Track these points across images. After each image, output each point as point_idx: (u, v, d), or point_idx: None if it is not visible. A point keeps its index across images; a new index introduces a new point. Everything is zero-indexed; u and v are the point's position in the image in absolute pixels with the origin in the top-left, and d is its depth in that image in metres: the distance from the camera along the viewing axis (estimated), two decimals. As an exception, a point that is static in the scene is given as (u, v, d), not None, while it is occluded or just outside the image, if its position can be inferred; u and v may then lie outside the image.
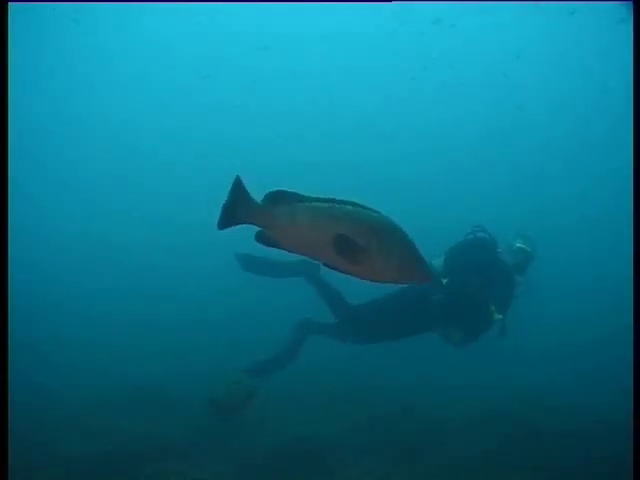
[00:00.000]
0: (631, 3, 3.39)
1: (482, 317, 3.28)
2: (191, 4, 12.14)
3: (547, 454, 3.61)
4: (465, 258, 3.39)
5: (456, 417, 4.44)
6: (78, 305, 9.75)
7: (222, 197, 1.56)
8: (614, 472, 3.21)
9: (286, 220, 1.51)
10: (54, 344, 6.91)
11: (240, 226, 1.57)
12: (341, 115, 15.44)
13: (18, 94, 10.45)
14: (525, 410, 4.68)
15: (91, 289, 10.97)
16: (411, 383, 5.76)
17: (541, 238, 3.81)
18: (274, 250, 1.59)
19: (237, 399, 2.75)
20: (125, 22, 12.57)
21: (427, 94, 14.35)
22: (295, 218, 1.50)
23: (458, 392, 5.44)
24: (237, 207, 1.54)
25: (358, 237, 1.45)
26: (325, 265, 1.54)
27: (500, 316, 3.29)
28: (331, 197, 1.51)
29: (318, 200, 1.51)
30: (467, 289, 3.25)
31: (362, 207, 1.49)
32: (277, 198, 1.54)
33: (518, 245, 3.64)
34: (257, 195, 1.56)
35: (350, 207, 1.48)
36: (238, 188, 1.55)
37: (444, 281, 3.29)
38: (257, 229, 1.57)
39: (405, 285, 3.09)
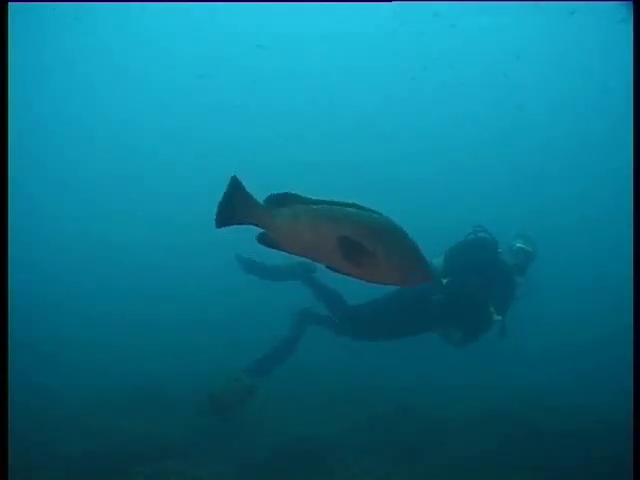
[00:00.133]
0: (631, 3, 3.38)
1: (481, 317, 3.27)
2: (191, 4, 12.15)
3: (547, 454, 3.61)
4: (465, 258, 3.38)
5: (456, 417, 4.44)
6: (78, 305, 9.76)
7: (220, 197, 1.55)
8: (614, 472, 3.21)
9: (288, 222, 1.50)
10: (54, 344, 6.92)
11: (239, 227, 1.57)
12: (341, 115, 15.44)
13: (18, 94, 10.45)
14: (525, 410, 4.67)
15: (91, 289, 10.98)
16: (411, 383, 5.76)
17: (541, 238, 3.80)
18: (273, 252, 1.58)
19: (236, 396, 2.75)
20: (125, 22, 12.59)
21: (427, 94, 14.35)
22: (297, 220, 1.49)
23: (458, 392, 5.44)
24: (238, 207, 1.53)
25: (362, 239, 1.44)
26: (328, 268, 1.53)
27: (499, 317, 3.28)
28: (332, 199, 1.51)
29: (320, 202, 1.50)
30: (467, 289, 3.23)
31: (364, 209, 1.48)
32: (279, 200, 1.53)
33: (518, 245, 3.62)
34: (256, 195, 1.56)
35: (352, 209, 1.47)
36: (236, 187, 1.54)
37: (444, 281, 3.28)
38: (258, 230, 1.57)
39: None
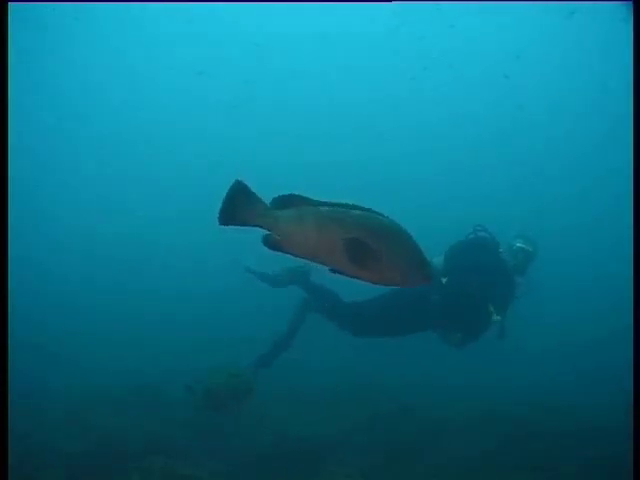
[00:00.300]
0: (631, 3, 3.38)
1: (481, 317, 3.26)
2: (191, 4, 12.16)
3: (547, 454, 3.61)
4: (465, 257, 3.37)
5: (456, 417, 4.43)
6: (77, 303, 9.76)
7: (221, 195, 1.55)
8: (613, 472, 3.21)
9: (293, 224, 1.49)
10: (54, 342, 6.92)
11: (235, 225, 1.56)
12: (340, 115, 15.44)
13: (18, 94, 10.44)
14: (524, 410, 4.67)
15: (89, 287, 10.97)
16: (411, 383, 5.75)
17: (541, 238, 3.79)
18: (274, 255, 1.58)
19: (236, 392, 2.73)
20: (124, 22, 12.58)
21: (427, 94, 14.35)
22: (302, 222, 1.48)
23: (458, 392, 5.43)
24: (242, 208, 1.53)
25: (367, 241, 1.44)
26: (331, 271, 1.53)
27: (499, 317, 3.27)
28: (336, 201, 1.50)
29: (325, 204, 1.49)
30: (466, 289, 3.22)
31: (369, 211, 1.48)
32: (284, 202, 1.53)
33: (518, 245, 3.60)
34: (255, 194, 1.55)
35: (357, 211, 1.47)
36: (240, 188, 1.53)
37: (443, 280, 3.27)
38: (261, 232, 1.56)
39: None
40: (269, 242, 1.54)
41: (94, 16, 11.90)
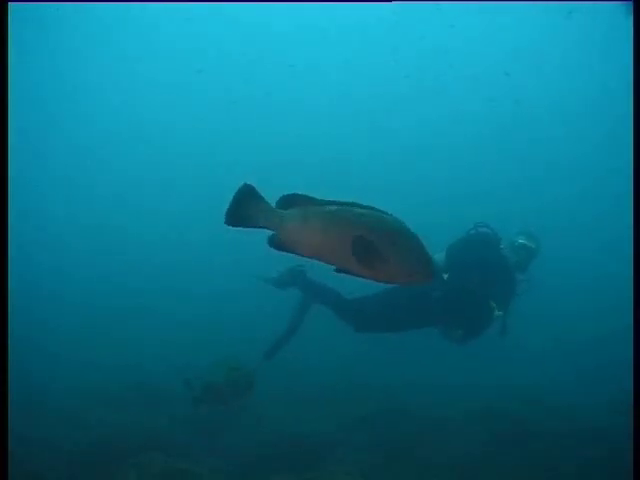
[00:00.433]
0: (631, 3, 3.38)
1: (482, 314, 3.25)
2: (191, 4, 12.18)
3: (546, 453, 3.60)
4: (467, 254, 3.35)
5: (455, 415, 4.44)
6: (76, 301, 9.76)
7: (222, 192, 1.55)
8: (613, 472, 3.20)
9: (299, 224, 1.49)
10: (53, 340, 6.93)
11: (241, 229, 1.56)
12: (340, 112, 15.43)
13: (18, 94, 10.45)
14: (524, 409, 4.67)
15: (88, 284, 10.97)
16: (410, 381, 5.75)
17: (542, 235, 3.78)
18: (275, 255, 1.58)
19: (236, 386, 2.71)
20: (124, 21, 12.60)
21: (429, 92, 14.37)
22: (308, 222, 1.48)
23: (457, 390, 5.43)
24: (248, 209, 1.52)
25: (373, 240, 1.44)
26: (337, 271, 1.52)
27: (500, 313, 3.26)
28: (340, 200, 1.50)
29: (330, 203, 1.49)
30: (468, 285, 3.21)
31: (374, 209, 1.48)
32: (289, 202, 1.52)
33: (520, 242, 3.58)
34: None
35: (361, 210, 1.47)
36: (247, 189, 1.53)
37: (445, 276, 3.26)
38: (262, 231, 1.56)
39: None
40: (275, 242, 1.54)
41: (94, 16, 11.92)
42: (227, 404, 2.78)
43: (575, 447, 3.66)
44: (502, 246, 3.55)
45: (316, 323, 3.95)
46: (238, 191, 1.53)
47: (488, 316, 3.28)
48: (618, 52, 9.40)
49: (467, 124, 15.22)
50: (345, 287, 3.45)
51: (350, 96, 15.10)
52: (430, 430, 4.08)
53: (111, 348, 6.74)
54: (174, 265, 12.03)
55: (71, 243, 13.35)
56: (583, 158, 15.17)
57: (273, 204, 1.54)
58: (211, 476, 3.16)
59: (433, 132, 15.50)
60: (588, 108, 14.03)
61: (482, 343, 3.50)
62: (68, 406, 4.43)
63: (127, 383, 5.17)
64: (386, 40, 12.98)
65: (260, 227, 1.54)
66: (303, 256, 1.54)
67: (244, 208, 1.52)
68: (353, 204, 1.48)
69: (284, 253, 1.56)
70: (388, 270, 1.45)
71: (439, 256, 3.45)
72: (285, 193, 1.58)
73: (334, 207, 1.48)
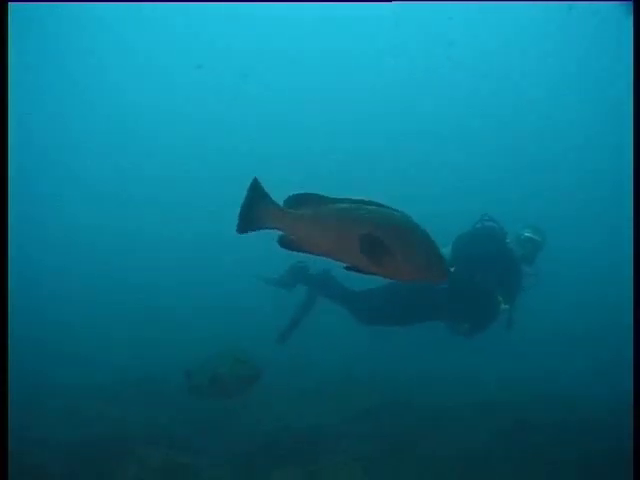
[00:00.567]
0: (631, 3, 3.38)
1: (489, 307, 3.26)
2: (191, 4, 12.22)
3: (547, 446, 3.60)
4: (473, 247, 3.36)
5: (458, 408, 4.43)
6: (76, 297, 9.77)
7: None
8: (613, 464, 3.20)
9: (310, 223, 1.50)
10: (53, 335, 6.93)
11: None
12: (341, 108, 15.45)
13: (18, 94, 10.45)
14: (527, 402, 4.67)
15: (85, 278, 10.98)
16: (412, 373, 5.76)
17: (547, 229, 3.78)
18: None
19: (241, 380, 2.70)
20: (124, 21, 12.63)
21: (431, 85, 14.43)
22: (319, 221, 1.49)
23: (460, 383, 5.44)
24: (259, 211, 1.53)
25: (382, 237, 1.45)
26: (347, 268, 1.53)
27: (507, 306, 3.26)
28: (350, 197, 1.51)
29: (341, 201, 1.50)
30: (474, 279, 3.21)
31: (385, 207, 1.49)
32: (299, 201, 1.53)
33: (527, 235, 3.60)
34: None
35: (372, 207, 1.48)
36: (258, 192, 1.53)
37: (451, 270, 3.26)
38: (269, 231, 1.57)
39: None
40: (285, 243, 1.55)
41: (94, 16, 11.96)
42: (231, 396, 2.76)
43: (577, 439, 3.66)
44: (508, 240, 3.56)
45: (320, 317, 3.95)
46: (247, 195, 1.53)
47: (494, 309, 3.29)
48: (618, 50, 9.42)
49: (468, 118, 15.25)
50: (349, 281, 3.46)
51: (350, 90, 15.13)
52: (433, 423, 4.08)
53: (113, 343, 6.74)
54: (176, 261, 12.04)
55: (70, 240, 13.36)
56: (583, 153, 15.20)
57: (277, 200, 1.55)
58: (212, 470, 3.16)
59: (436, 125, 15.51)
60: (590, 104, 14.08)
61: (488, 336, 3.50)
62: (68, 402, 4.42)
63: (128, 378, 5.18)
64: (387, 33, 13.02)
65: (271, 228, 1.55)
66: (313, 254, 1.56)
67: (254, 211, 1.53)
68: (362, 202, 1.50)
69: (289, 251, 1.57)
70: (397, 267, 1.47)
71: (445, 250, 3.46)
72: (286, 188, 1.59)
73: (344, 205, 1.49)
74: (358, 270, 1.51)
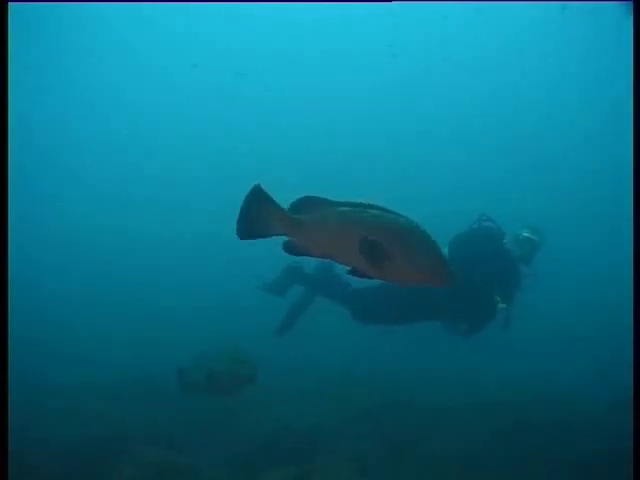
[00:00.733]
0: (631, 3, 3.39)
1: (486, 307, 3.25)
2: (192, 4, 12.23)
3: (547, 446, 3.59)
4: (470, 247, 3.36)
5: (457, 408, 4.42)
6: (75, 297, 9.77)
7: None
8: (613, 463, 3.19)
9: (313, 227, 1.51)
10: (52, 335, 6.93)
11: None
12: (337, 108, 15.46)
13: (18, 94, 10.45)
14: (526, 402, 4.66)
15: (88, 280, 11.00)
16: (411, 373, 5.75)
17: (545, 229, 3.78)
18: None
19: (238, 378, 2.69)
20: (125, 21, 12.65)
21: (428, 86, 14.44)
22: (321, 224, 1.50)
23: (460, 383, 5.43)
24: (267, 219, 1.52)
25: (384, 242, 1.45)
26: (351, 273, 1.54)
27: (504, 306, 3.26)
28: (353, 200, 1.51)
29: (345, 205, 1.50)
30: (471, 278, 3.21)
31: (387, 211, 1.49)
32: (303, 205, 1.53)
33: (525, 235, 3.60)
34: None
35: (376, 211, 1.48)
36: (263, 198, 1.52)
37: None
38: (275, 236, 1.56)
39: None
40: (291, 248, 1.55)
41: (93, 16, 11.97)
42: (228, 394, 2.75)
43: (576, 439, 3.66)
44: (505, 240, 3.56)
45: (319, 317, 3.95)
46: (249, 200, 1.52)
47: (492, 309, 3.29)
48: (617, 45, 9.41)
49: (467, 118, 15.26)
50: (348, 279, 3.45)
51: (347, 90, 15.14)
52: (432, 423, 4.08)
53: (112, 343, 6.75)
54: (175, 261, 12.05)
55: (70, 240, 13.38)
56: (582, 153, 15.19)
57: (277, 201, 1.54)
58: (210, 470, 3.15)
59: (435, 125, 15.52)
60: (588, 104, 14.08)
61: (486, 336, 3.50)
62: (67, 402, 4.43)
63: (128, 378, 5.18)
64: (387, 34, 13.02)
65: (277, 235, 1.54)
66: (317, 258, 1.57)
67: (261, 219, 1.52)
68: (365, 205, 1.50)
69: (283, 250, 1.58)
70: (398, 271, 1.47)
71: (443, 250, 3.45)
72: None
73: (346, 208, 1.49)
74: (361, 274, 1.52)
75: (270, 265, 3.95)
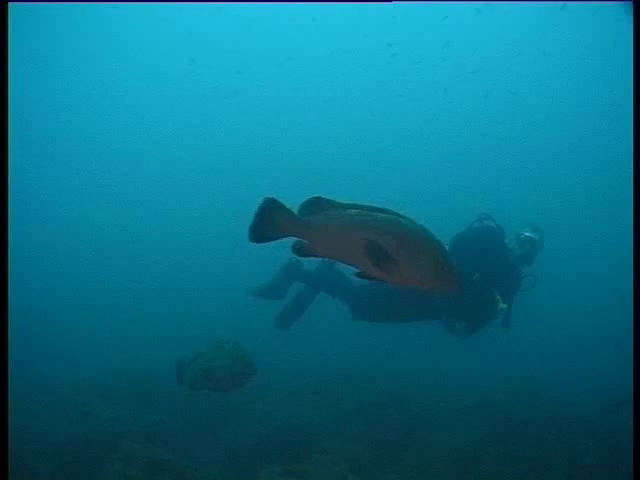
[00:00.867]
0: (631, 3, 3.37)
1: (486, 306, 3.24)
2: (191, 4, 12.24)
3: (538, 448, 3.57)
4: (471, 246, 3.35)
5: (450, 409, 4.40)
6: (73, 296, 9.77)
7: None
8: (608, 465, 3.18)
9: (321, 229, 1.52)
10: (50, 335, 6.93)
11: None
12: (336, 107, 15.45)
13: (18, 94, 10.46)
14: (520, 403, 4.65)
15: (86, 280, 10.99)
16: (404, 373, 5.74)
17: (545, 229, 3.77)
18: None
19: (236, 376, 2.67)
20: (125, 21, 12.65)
21: (428, 86, 14.44)
22: (329, 227, 1.51)
23: (454, 384, 5.42)
24: (274, 223, 1.54)
25: (388, 245, 1.45)
26: (358, 275, 1.55)
27: (505, 305, 3.24)
28: (362, 203, 1.52)
29: (352, 207, 1.51)
30: (471, 277, 3.19)
31: (396, 215, 1.49)
32: (312, 206, 1.55)
33: (526, 234, 3.58)
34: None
35: (383, 215, 1.49)
36: (274, 205, 1.54)
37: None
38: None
39: None
40: (300, 249, 1.57)
41: (93, 16, 11.97)
42: (227, 392, 2.74)
43: (570, 440, 3.64)
44: (506, 240, 3.55)
45: (315, 316, 3.94)
46: (260, 208, 1.54)
47: (492, 309, 3.27)
48: (617, 45, 9.41)
49: (466, 118, 15.25)
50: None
51: (346, 90, 15.13)
52: (426, 422, 4.07)
53: (106, 341, 6.74)
54: (173, 262, 12.04)
55: (70, 241, 13.37)
56: (583, 153, 15.17)
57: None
58: (202, 468, 3.15)
59: (433, 126, 15.51)
60: (588, 103, 14.07)
61: (484, 337, 3.49)
62: (63, 399, 4.42)
63: (124, 377, 5.18)
64: (387, 35, 13.01)
65: (287, 236, 1.57)
66: (328, 258, 1.64)
67: (271, 223, 1.54)
68: (373, 208, 1.50)
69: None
70: (403, 275, 1.47)
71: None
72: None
73: (353, 211, 1.50)
74: (368, 277, 1.52)
75: (269, 262, 3.95)
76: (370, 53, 13.94)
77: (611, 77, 12.17)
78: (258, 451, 3.44)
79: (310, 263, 3.72)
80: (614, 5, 9.04)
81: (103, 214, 14.20)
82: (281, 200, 1.56)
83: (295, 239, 1.58)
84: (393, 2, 12.07)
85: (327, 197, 1.55)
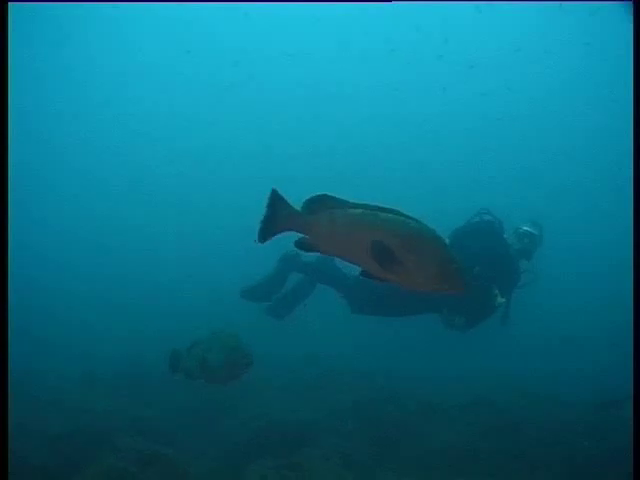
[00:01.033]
0: (631, 3, 3.37)
1: (485, 301, 3.23)
2: (191, 4, 12.26)
3: (534, 445, 3.55)
4: (470, 241, 3.34)
5: (446, 405, 4.40)
6: (68, 290, 9.78)
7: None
8: (606, 463, 3.17)
9: (325, 227, 1.53)
10: (45, 329, 6.93)
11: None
12: (340, 107, 15.46)
13: (18, 94, 10.47)
14: (516, 400, 4.64)
15: (76, 271, 11.00)
16: (402, 369, 5.73)
17: (545, 225, 3.76)
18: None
19: (232, 367, 2.65)
20: (125, 21, 12.68)
21: (429, 84, 14.46)
22: (333, 225, 1.51)
23: (450, 380, 5.41)
24: (279, 220, 1.57)
25: (394, 246, 1.45)
26: (363, 275, 1.56)
27: (503, 300, 3.23)
28: (367, 202, 1.52)
29: (357, 206, 1.51)
30: (470, 272, 3.18)
31: (401, 215, 1.49)
32: (317, 204, 1.55)
33: (525, 229, 3.57)
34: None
35: (389, 215, 1.48)
36: (277, 201, 1.56)
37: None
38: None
39: None
40: (304, 245, 1.58)
41: (93, 15, 12.00)
42: (222, 383, 2.72)
43: (566, 440, 3.62)
44: (505, 235, 3.54)
45: (310, 312, 3.93)
46: (271, 199, 1.56)
47: (491, 304, 3.26)
48: (617, 45, 9.41)
49: (465, 116, 15.27)
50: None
51: (345, 85, 15.15)
52: (421, 419, 4.06)
53: (102, 334, 6.74)
54: (170, 259, 12.05)
55: (66, 237, 13.40)
56: (583, 152, 15.18)
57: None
58: (194, 461, 3.14)
59: (434, 125, 15.52)
60: (588, 103, 14.08)
61: (482, 332, 3.48)
62: (56, 393, 4.43)
63: (118, 371, 5.18)
64: (387, 33, 13.03)
65: (289, 231, 1.59)
66: (331, 256, 1.60)
67: (277, 219, 1.57)
68: (379, 208, 1.50)
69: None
70: (408, 276, 1.47)
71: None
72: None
73: (358, 211, 1.50)
74: (373, 276, 1.53)
75: (268, 256, 3.93)
76: (371, 53, 13.96)
77: (611, 75, 12.18)
78: (252, 445, 3.43)
79: (309, 255, 3.70)
80: (614, 5, 9.04)
81: (101, 208, 14.24)
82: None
83: (299, 235, 1.59)
84: (393, 2, 12.09)
85: (332, 195, 1.55)
